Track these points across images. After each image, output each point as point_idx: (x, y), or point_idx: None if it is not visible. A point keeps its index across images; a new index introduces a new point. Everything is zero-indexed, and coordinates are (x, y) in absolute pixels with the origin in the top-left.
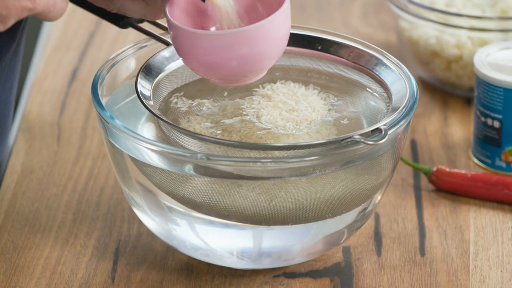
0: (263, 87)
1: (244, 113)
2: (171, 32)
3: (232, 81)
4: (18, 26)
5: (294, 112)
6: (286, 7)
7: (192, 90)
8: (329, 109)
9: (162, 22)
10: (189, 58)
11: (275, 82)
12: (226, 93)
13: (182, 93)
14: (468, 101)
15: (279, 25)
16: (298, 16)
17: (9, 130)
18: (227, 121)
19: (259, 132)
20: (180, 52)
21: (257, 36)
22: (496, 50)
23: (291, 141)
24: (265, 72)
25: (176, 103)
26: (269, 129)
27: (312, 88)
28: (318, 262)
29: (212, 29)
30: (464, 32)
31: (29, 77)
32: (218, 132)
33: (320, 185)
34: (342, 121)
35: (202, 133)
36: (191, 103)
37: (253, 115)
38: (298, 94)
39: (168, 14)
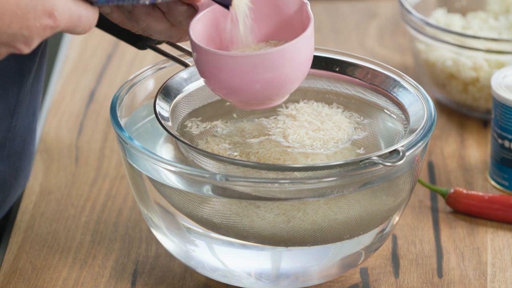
0: (287, 107)
1: (270, 132)
2: (194, 54)
3: (254, 104)
4: (38, 49)
5: (321, 131)
6: (310, 30)
7: (210, 111)
8: (355, 128)
9: (182, 44)
10: (212, 80)
11: (298, 102)
12: (245, 114)
13: (200, 118)
14: (485, 123)
15: (302, 49)
16: (315, 37)
17: (33, 156)
18: (253, 140)
19: (277, 153)
20: (202, 73)
21: (280, 59)
22: None
23: (309, 162)
24: (287, 96)
25: (193, 126)
26: (288, 147)
27: (336, 107)
28: (335, 283)
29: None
30: (481, 54)
31: (47, 98)
32: (236, 154)
33: (338, 206)
34: (360, 142)
35: (220, 154)
36: (209, 124)
37: (279, 134)
38: (323, 114)
39: (192, 36)
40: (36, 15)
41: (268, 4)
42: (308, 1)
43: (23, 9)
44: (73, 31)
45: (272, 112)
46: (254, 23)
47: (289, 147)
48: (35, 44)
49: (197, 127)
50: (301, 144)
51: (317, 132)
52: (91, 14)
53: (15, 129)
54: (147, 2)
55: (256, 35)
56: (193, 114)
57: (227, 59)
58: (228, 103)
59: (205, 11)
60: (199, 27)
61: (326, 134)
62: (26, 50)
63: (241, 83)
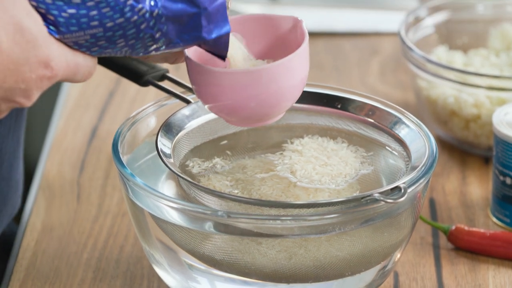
0: (292, 143)
1: (278, 168)
2: (190, 72)
3: (249, 122)
4: None
5: (328, 166)
6: (304, 47)
7: (212, 147)
8: (362, 162)
9: (182, 80)
10: (207, 97)
11: (302, 137)
12: (247, 150)
13: (201, 156)
14: (486, 160)
15: (297, 64)
16: (316, 74)
17: (20, 185)
18: (261, 175)
19: (279, 190)
20: (197, 91)
21: (274, 75)
22: None
23: (311, 199)
24: (282, 114)
25: (194, 166)
26: (295, 183)
27: (341, 142)
28: None
29: None
30: (482, 91)
31: (49, 135)
32: (237, 191)
33: (339, 243)
34: (361, 179)
35: (222, 191)
36: (210, 163)
37: (287, 170)
38: (328, 149)
39: (187, 53)
40: (31, 67)
41: (262, 24)
42: (302, 19)
43: (15, 63)
44: (72, 80)
45: (277, 148)
46: (250, 43)
47: (296, 183)
48: (35, 96)
49: (199, 167)
50: (309, 180)
51: (325, 167)
52: (89, 61)
53: (1, 153)
54: (141, 54)
55: (253, 54)
56: (195, 150)
57: (222, 75)
58: (224, 142)
59: None
60: (195, 49)
61: (333, 169)
62: (27, 103)
63: (236, 100)
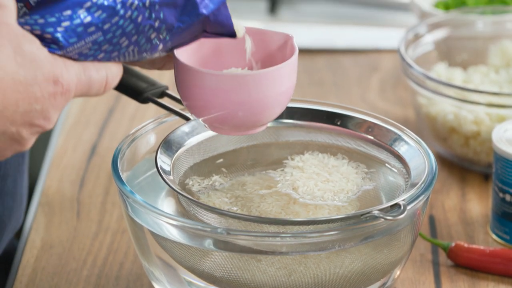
0: (292, 159)
1: (279, 185)
2: (178, 73)
3: (231, 129)
4: None
5: (330, 182)
6: (293, 59)
7: (212, 164)
8: (363, 178)
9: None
10: (189, 97)
11: (303, 154)
12: (247, 167)
13: (200, 174)
14: (486, 177)
15: (285, 75)
16: (316, 91)
17: (24, 197)
18: (263, 192)
19: (278, 207)
20: (181, 90)
21: (261, 82)
22: None
23: (310, 216)
24: (267, 124)
25: (194, 184)
26: (297, 200)
27: (342, 158)
28: None
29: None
30: (482, 108)
31: (49, 152)
32: (235, 208)
33: (339, 260)
34: (361, 196)
35: (222, 208)
36: (210, 181)
37: (288, 186)
38: (329, 165)
39: (175, 52)
40: (40, 86)
41: (255, 38)
42: (293, 36)
43: (23, 84)
44: (88, 93)
45: (278, 164)
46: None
47: (298, 199)
48: (53, 116)
49: (199, 185)
50: (311, 196)
51: (327, 184)
52: (102, 73)
53: (6, 167)
54: (149, 53)
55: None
56: (195, 167)
57: (210, 77)
58: (223, 159)
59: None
60: (185, 50)
61: (335, 185)
62: (48, 125)
63: (222, 104)
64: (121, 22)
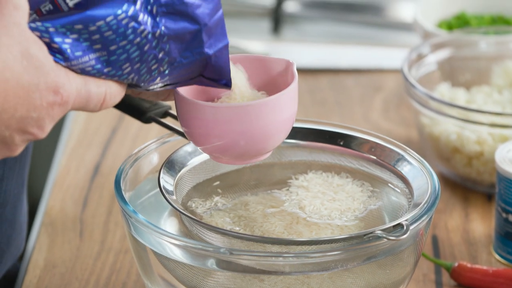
0: (297, 179)
1: (285, 204)
2: (178, 108)
3: (235, 158)
4: None
5: (336, 201)
6: (293, 87)
7: (215, 184)
8: (369, 196)
9: None
10: (191, 130)
11: (306, 173)
12: (250, 187)
13: (202, 196)
14: (489, 197)
15: (284, 103)
16: (319, 110)
17: (24, 225)
18: (269, 210)
19: (281, 226)
20: (182, 122)
21: (258, 112)
22: None
23: (313, 236)
24: (269, 153)
25: (198, 207)
26: (294, 220)
27: (345, 177)
28: None
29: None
30: (485, 129)
31: (52, 172)
32: (239, 228)
33: (342, 280)
34: (364, 216)
35: (224, 228)
36: (212, 202)
37: (295, 206)
38: (334, 184)
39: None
40: (41, 94)
41: (256, 65)
42: (294, 62)
43: (25, 89)
44: (85, 108)
45: (281, 184)
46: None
47: (305, 218)
48: (47, 126)
49: (202, 205)
50: (319, 215)
51: (333, 203)
52: (102, 89)
53: (5, 195)
54: (145, 84)
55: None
56: (198, 187)
57: (209, 109)
58: (226, 179)
59: None
60: (188, 88)
61: (342, 204)
62: (41, 134)
63: (224, 134)
64: (128, 46)
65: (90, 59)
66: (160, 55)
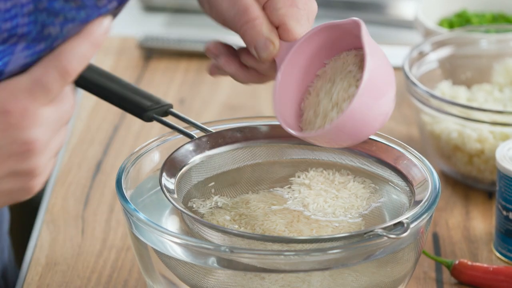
0: (298, 176)
1: (289, 202)
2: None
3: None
4: None
5: (339, 199)
6: (365, 82)
7: (216, 182)
8: (372, 193)
9: (186, 115)
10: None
11: (307, 171)
12: (251, 185)
13: (205, 190)
14: (490, 195)
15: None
16: None
17: (7, 244)
18: (274, 208)
19: (282, 225)
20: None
21: (352, 121)
22: None
23: (314, 234)
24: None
25: (199, 207)
26: (295, 218)
27: (347, 174)
28: None
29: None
30: (486, 127)
31: (54, 170)
32: (240, 226)
33: (342, 278)
34: (365, 214)
35: (225, 226)
36: (211, 201)
37: (298, 204)
38: (336, 182)
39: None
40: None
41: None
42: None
43: None
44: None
45: (283, 182)
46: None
47: (309, 216)
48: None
49: (203, 203)
50: (323, 213)
51: (336, 200)
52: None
53: None
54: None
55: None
56: (199, 186)
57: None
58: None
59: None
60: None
61: (345, 202)
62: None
63: (330, 143)
64: None
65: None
66: None
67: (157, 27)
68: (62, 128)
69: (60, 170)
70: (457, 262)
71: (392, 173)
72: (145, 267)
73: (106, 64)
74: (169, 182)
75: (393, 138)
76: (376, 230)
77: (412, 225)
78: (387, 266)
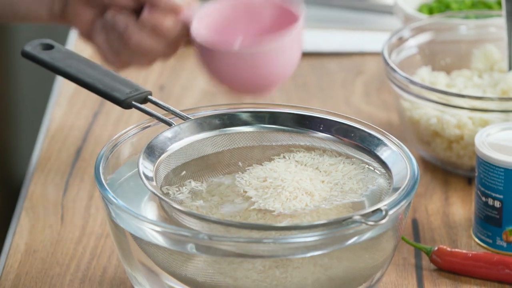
0: (288, 158)
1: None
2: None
3: (243, 92)
4: None
5: (334, 180)
6: (297, 28)
7: (194, 169)
8: (365, 175)
9: (165, 103)
10: (207, 69)
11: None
12: (231, 170)
13: (183, 177)
14: (469, 180)
15: (289, 45)
16: (300, 95)
17: None
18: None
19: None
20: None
21: (265, 58)
22: (496, 131)
23: (293, 222)
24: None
25: (176, 189)
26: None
27: (336, 155)
28: None
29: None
30: (465, 113)
31: (33, 156)
32: (217, 211)
33: (321, 265)
34: (343, 201)
35: (204, 213)
36: (192, 183)
37: (292, 183)
38: (326, 164)
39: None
40: None
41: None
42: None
43: None
44: None
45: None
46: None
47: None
48: None
49: (181, 190)
50: (321, 198)
51: (335, 185)
52: None
53: None
54: None
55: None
56: (177, 172)
57: (221, 54)
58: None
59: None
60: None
61: (339, 183)
62: None
63: (231, 74)
64: None
65: None
66: None
67: None
68: None
69: (40, 156)
70: (436, 248)
71: (371, 159)
72: (124, 255)
73: (86, 51)
74: (148, 170)
75: (372, 125)
76: (354, 217)
77: (390, 212)
78: (366, 253)
